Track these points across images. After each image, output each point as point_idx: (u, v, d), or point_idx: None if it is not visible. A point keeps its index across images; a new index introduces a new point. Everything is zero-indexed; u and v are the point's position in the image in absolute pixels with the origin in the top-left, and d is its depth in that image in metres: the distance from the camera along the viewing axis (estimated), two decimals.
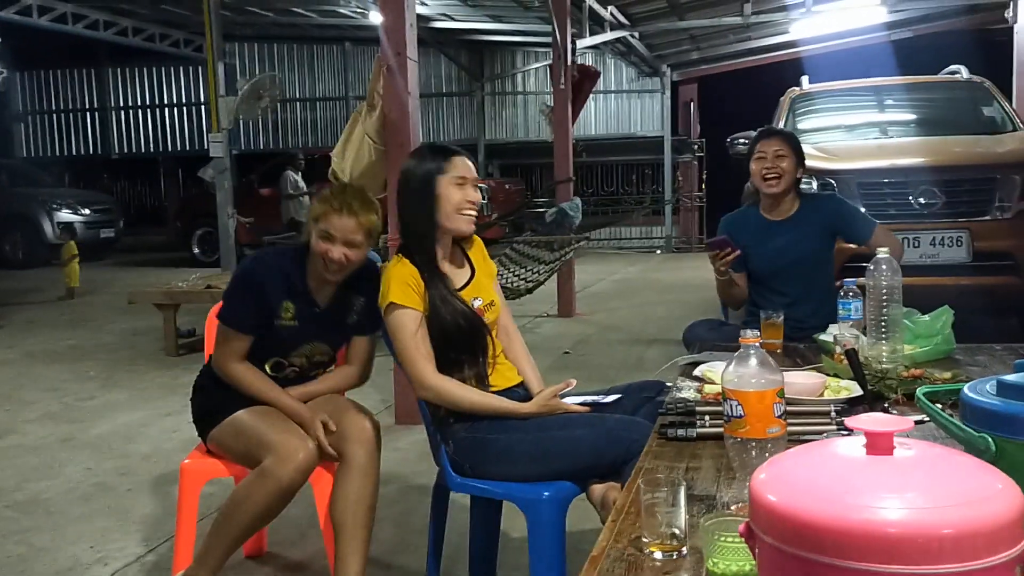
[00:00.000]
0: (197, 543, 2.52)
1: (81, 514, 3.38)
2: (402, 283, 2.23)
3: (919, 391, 1.23)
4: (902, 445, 0.83)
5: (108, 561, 2.92)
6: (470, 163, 2.33)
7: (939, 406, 1.15)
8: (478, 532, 2.51)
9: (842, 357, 2.06)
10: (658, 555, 1.24)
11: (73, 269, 9.76)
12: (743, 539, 0.90)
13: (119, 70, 18.39)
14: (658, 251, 15.18)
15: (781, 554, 0.78)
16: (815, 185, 5.13)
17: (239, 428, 2.39)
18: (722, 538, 1.10)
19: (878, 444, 0.81)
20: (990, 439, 0.95)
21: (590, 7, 9.66)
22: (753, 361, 1.40)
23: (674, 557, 1.24)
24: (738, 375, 1.40)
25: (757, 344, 1.41)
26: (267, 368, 2.49)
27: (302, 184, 12.52)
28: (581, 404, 2.25)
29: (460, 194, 2.27)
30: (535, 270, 6.68)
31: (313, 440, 2.33)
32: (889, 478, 0.78)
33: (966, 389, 1.04)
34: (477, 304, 2.31)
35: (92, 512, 3.40)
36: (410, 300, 2.22)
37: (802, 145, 3.40)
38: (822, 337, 2.46)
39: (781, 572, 0.79)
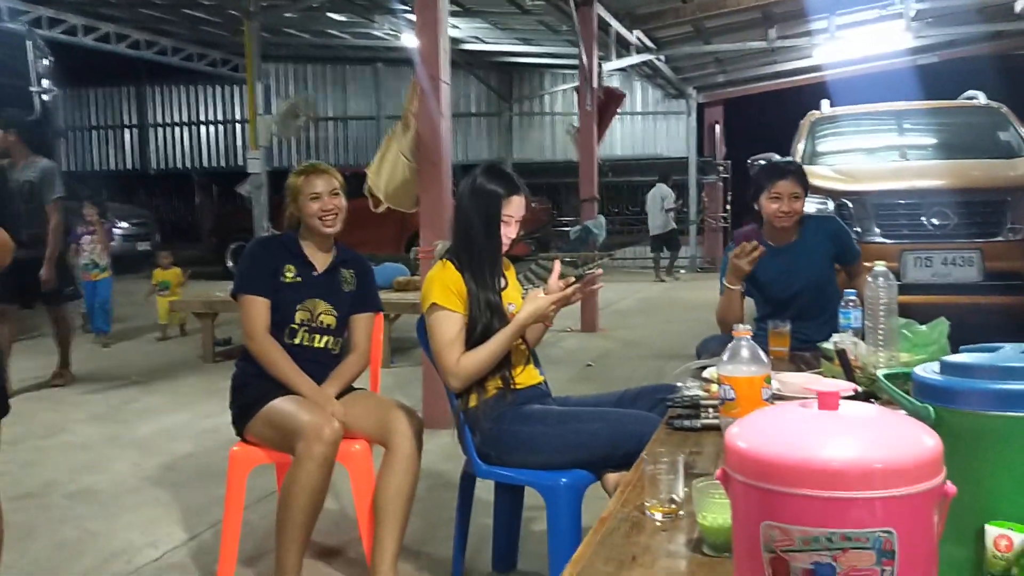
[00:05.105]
0: (244, 527, 2.74)
1: (130, 504, 3.61)
2: (444, 287, 2.45)
3: (880, 372, 1.42)
4: (848, 407, 1.03)
5: (158, 545, 3.15)
6: (524, 202, 2.55)
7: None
8: (501, 518, 2.71)
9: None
10: (658, 516, 1.44)
11: (165, 306, 7.74)
12: (723, 486, 1.09)
13: (157, 88, 18.90)
14: (682, 271, 15.32)
15: (748, 488, 0.97)
16: (831, 205, 5.30)
17: (271, 417, 2.64)
18: (710, 495, 1.30)
19: (827, 401, 1.01)
20: (931, 408, 1.14)
21: (617, 31, 9.91)
22: (745, 352, 1.60)
23: (672, 519, 1.44)
24: (731, 363, 1.60)
25: (748, 336, 1.61)
26: (284, 338, 2.77)
27: None
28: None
29: (503, 230, 2.51)
30: None
31: (337, 417, 2.59)
32: (834, 426, 0.98)
33: (916, 369, 1.23)
34: (511, 309, 2.53)
35: (141, 502, 3.63)
36: (452, 303, 2.44)
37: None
38: (824, 344, 2.64)
39: (746, 502, 0.98)
